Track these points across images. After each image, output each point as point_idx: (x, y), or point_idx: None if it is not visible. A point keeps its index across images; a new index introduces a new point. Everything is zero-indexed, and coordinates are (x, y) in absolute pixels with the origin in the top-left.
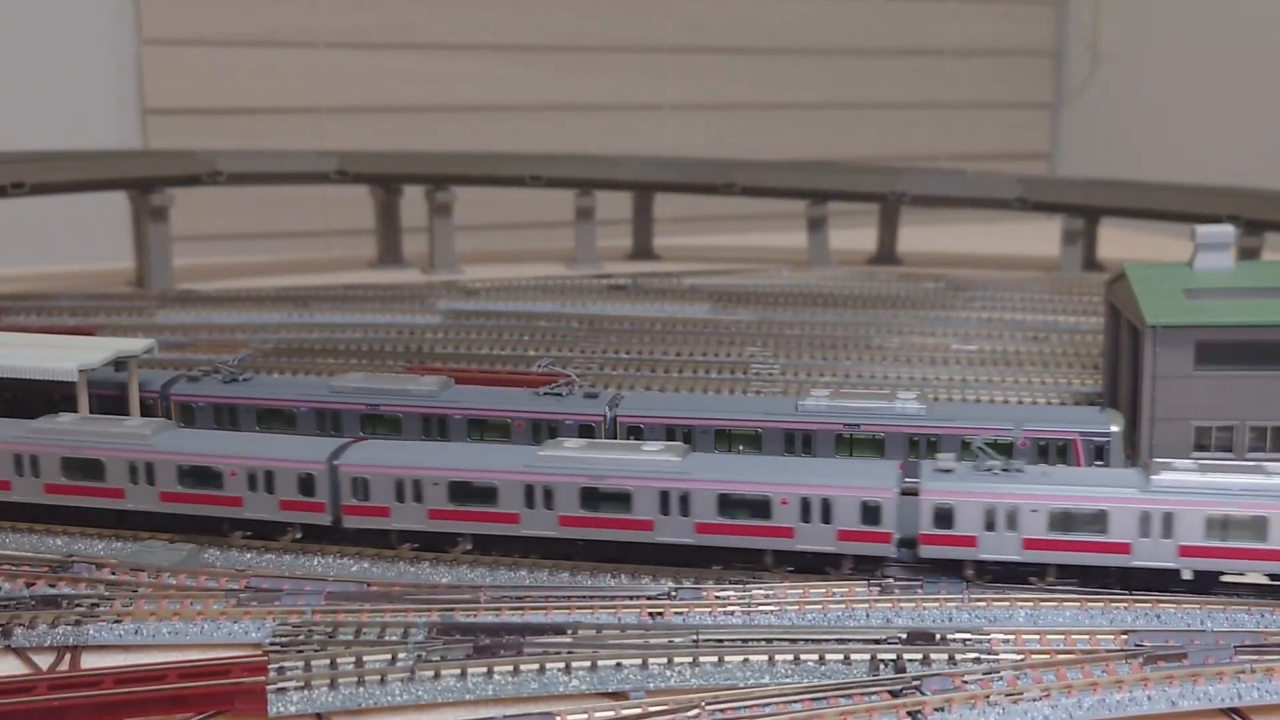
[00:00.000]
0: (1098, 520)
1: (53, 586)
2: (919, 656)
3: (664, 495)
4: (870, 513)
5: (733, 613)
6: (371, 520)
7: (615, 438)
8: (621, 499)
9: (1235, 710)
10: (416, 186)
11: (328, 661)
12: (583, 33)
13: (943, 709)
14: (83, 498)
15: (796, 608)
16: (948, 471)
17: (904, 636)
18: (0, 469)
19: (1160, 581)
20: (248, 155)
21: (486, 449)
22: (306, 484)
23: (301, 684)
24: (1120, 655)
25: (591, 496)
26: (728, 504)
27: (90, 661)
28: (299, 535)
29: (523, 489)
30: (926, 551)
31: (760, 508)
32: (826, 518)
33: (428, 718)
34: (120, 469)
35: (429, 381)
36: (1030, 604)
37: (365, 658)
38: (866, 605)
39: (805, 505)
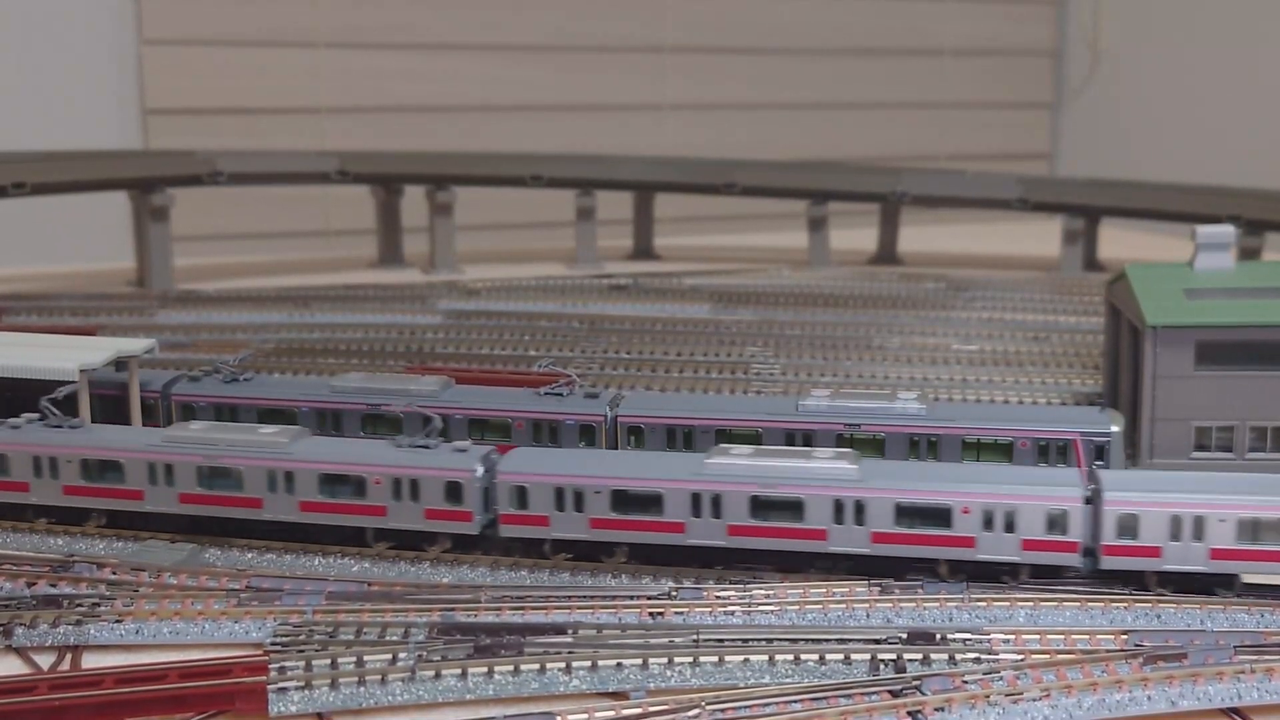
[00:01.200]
0: None
1: (54, 586)
2: (919, 656)
3: None
4: None
5: (733, 613)
6: (1136, 561)
7: (615, 438)
8: None
9: (1235, 710)
10: (417, 186)
11: (328, 661)
12: (583, 33)
13: (943, 709)
14: (635, 533)
15: (797, 608)
16: None
17: (904, 636)
18: (540, 504)
19: None
20: (248, 155)
21: None
22: (1058, 522)
23: (302, 684)
24: (1120, 655)
25: None
26: None
27: (91, 661)
28: (1028, 579)
29: None
30: None
31: None
32: None
33: (428, 717)
34: (680, 501)
35: (429, 381)
36: (1030, 604)
37: (366, 657)
38: (866, 605)
39: None
